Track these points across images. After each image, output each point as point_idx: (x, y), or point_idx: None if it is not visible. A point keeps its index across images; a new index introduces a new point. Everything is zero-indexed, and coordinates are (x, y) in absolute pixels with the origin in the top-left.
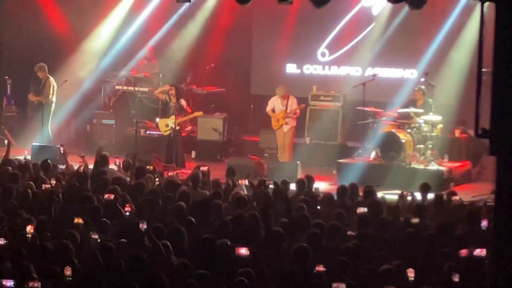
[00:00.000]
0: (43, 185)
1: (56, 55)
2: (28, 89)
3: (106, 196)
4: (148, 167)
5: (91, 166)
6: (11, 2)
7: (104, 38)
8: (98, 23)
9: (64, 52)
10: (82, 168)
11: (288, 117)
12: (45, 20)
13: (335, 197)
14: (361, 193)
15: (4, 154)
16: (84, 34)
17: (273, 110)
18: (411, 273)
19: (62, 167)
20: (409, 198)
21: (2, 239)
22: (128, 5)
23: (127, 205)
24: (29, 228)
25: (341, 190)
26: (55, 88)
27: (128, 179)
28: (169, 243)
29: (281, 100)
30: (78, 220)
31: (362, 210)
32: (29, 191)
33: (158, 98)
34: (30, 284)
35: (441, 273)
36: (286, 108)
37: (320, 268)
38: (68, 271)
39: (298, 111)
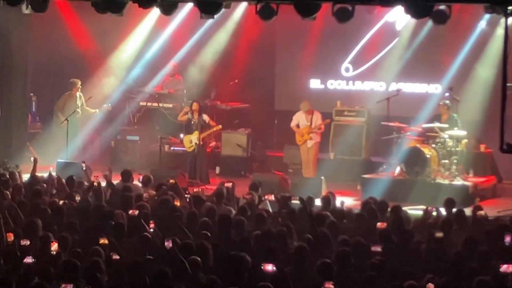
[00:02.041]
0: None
1: (80, 72)
2: (53, 105)
3: (130, 212)
4: (171, 181)
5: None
6: (36, 20)
7: (128, 55)
8: (123, 40)
9: (89, 69)
10: (96, 183)
11: (313, 132)
12: (70, 37)
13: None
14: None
15: (30, 170)
16: (108, 51)
17: (298, 126)
18: None
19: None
20: (434, 213)
21: (30, 257)
22: (152, 22)
23: (151, 222)
24: (54, 246)
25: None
26: None
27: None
28: (199, 259)
29: (305, 115)
30: (104, 241)
31: (382, 225)
32: (54, 207)
33: (183, 121)
34: (63, 286)
35: None
36: (311, 124)
37: (330, 285)
38: None
39: (323, 126)
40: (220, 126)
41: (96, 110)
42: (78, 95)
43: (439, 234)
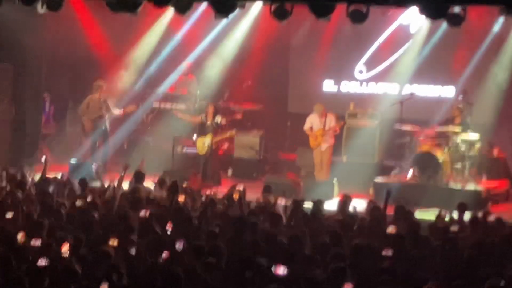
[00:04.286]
0: (77, 202)
1: (95, 72)
2: (67, 106)
3: (141, 213)
4: (184, 185)
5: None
6: (50, 19)
7: (142, 55)
8: (137, 40)
9: (103, 69)
10: (112, 184)
11: (327, 135)
12: (85, 37)
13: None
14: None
15: (42, 171)
16: (123, 51)
17: (311, 128)
18: None
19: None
20: (447, 218)
21: (44, 259)
22: (166, 22)
23: (169, 223)
24: (65, 247)
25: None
26: None
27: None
28: (212, 260)
29: (319, 117)
30: (113, 242)
31: (392, 229)
32: (65, 209)
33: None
34: None
35: None
36: (324, 126)
37: (349, 286)
38: (105, 286)
39: (337, 128)
40: (234, 132)
41: (121, 112)
42: (103, 98)
43: (454, 228)
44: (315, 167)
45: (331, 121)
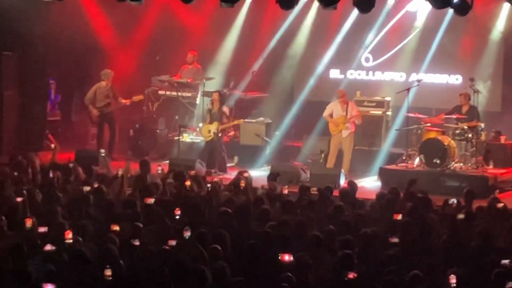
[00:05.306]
0: (84, 189)
1: (99, 60)
2: (73, 94)
3: (147, 201)
4: (192, 172)
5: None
6: (56, 7)
7: (148, 43)
8: (142, 29)
9: (107, 57)
10: (120, 173)
11: (348, 122)
12: (90, 25)
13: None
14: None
15: (50, 158)
16: (127, 39)
17: (331, 115)
18: (453, 280)
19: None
20: (454, 206)
21: (50, 245)
22: (172, 10)
23: (177, 209)
24: (68, 234)
25: (381, 196)
26: None
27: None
28: (219, 247)
29: (341, 105)
30: (115, 227)
31: (399, 217)
32: (72, 195)
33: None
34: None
35: (487, 281)
36: (346, 113)
37: (351, 275)
38: (108, 272)
39: (360, 116)
40: (242, 121)
41: (127, 101)
42: (109, 87)
43: (461, 216)
44: (329, 154)
45: (352, 108)
